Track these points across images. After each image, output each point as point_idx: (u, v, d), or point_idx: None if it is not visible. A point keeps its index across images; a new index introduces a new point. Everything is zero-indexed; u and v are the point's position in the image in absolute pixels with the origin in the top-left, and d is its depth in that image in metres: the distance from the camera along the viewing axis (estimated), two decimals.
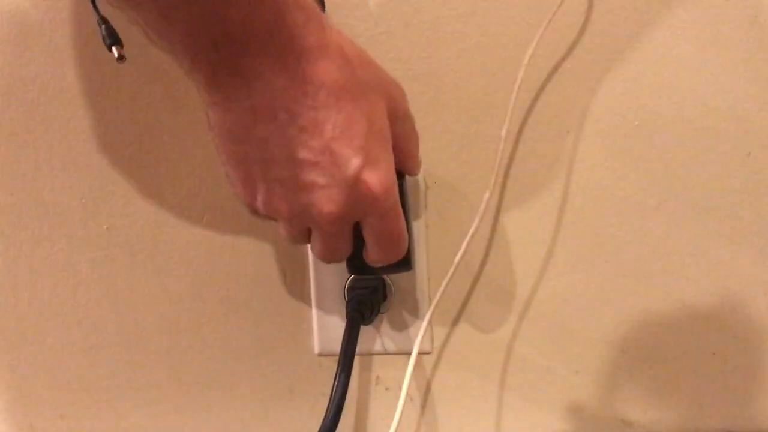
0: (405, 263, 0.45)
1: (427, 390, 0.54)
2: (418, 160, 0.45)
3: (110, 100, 0.52)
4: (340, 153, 0.35)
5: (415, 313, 0.51)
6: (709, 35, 0.47)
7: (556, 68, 0.48)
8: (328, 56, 0.34)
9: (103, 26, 0.44)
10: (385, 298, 0.51)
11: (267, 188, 0.36)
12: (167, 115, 0.52)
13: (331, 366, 0.53)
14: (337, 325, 0.51)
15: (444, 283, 0.49)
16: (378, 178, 0.36)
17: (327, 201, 0.36)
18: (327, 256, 0.41)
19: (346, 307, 0.49)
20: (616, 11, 0.47)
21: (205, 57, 0.32)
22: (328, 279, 0.52)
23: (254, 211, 0.39)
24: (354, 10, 0.49)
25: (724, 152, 0.48)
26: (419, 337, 0.49)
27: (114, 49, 0.43)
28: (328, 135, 0.34)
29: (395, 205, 0.39)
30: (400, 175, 0.46)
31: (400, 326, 0.52)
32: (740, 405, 0.51)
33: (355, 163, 0.35)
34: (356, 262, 0.43)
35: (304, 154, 0.34)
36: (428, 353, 0.53)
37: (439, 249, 0.51)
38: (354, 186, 0.35)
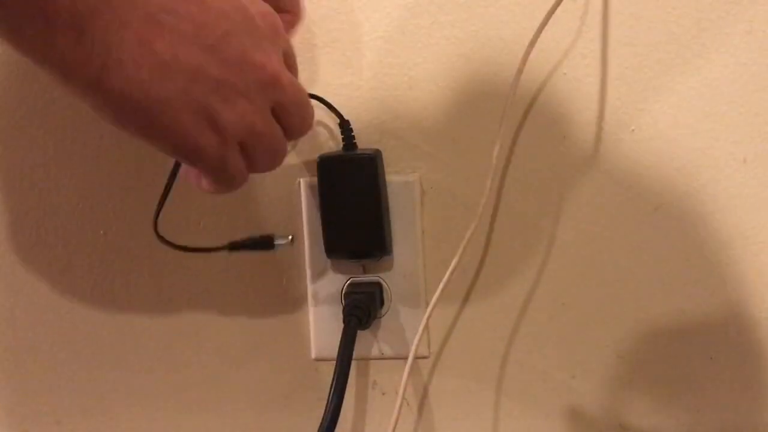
0: (382, 247, 0.49)
1: (424, 395, 0.54)
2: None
3: None
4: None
5: (412, 317, 0.51)
6: (705, 41, 0.47)
7: (551, 73, 0.49)
8: None
9: None
10: (381, 302, 0.51)
11: (214, 91, 0.34)
12: None
13: (328, 371, 0.53)
14: (334, 330, 0.51)
15: (440, 287, 0.49)
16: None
17: (264, 55, 0.36)
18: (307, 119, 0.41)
19: (343, 312, 0.49)
20: (611, 16, 0.48)
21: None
22: (324, 284, 0.52)
23: (222, 152, 0.36)
24: (350, 15, 0.49)
25: (720, 158, 0.48)
26: (416, 342, 0.49)
27: None
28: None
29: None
30: (376, 156, 0.48)
31: (397, 331, 0.52)
32: (738, 410, 0.51)
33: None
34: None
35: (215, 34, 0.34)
36: (425, 358, 0.53)
37: (435, 254, 0.51)
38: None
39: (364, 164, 0.48)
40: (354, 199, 0.48)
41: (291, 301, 0.53)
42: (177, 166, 0.44)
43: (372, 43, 0.49)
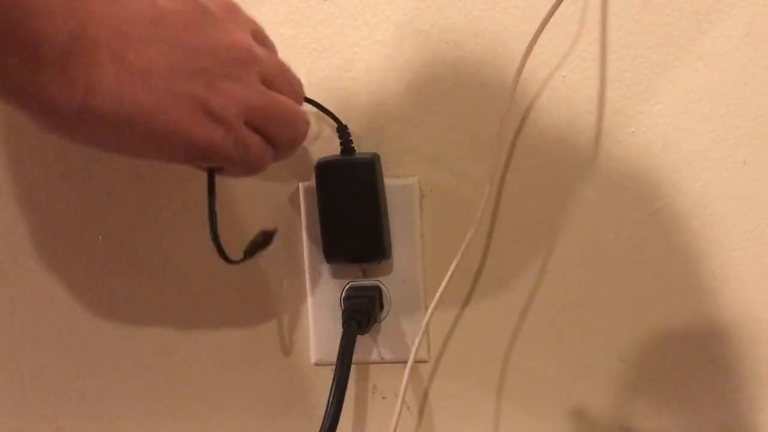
0: (381, 251, 0.48)
1: (425, 398, 0.54)
2: None
3: None
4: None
5: (412, 321, 0.51)
6: (705, 43, 0.47)
7: (550, 76, 0.48)
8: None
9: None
10: (381, 306, 0.51)
11: (196, 83, 0.35)
12: None
13: (328, 376, 0.53)
14: (334, 335, 0.51)
15: (440, 291, 0.49)
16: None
17: (243, 38, 0.38)
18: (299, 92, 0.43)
19: (343, 317, 0.49)
20: (610, 19, 0.48)
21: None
22: (324, 288, 0.52)
23: (234, 138, 0.37)
24: (349, 20, 0.49)
25: (720, 160, 0.48)
26: (416, 346, 0.49)
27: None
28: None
29: None
30: (374, 160, 0.48)
31: (397, 335, 0.52)
32: (739, 412, 0.51)
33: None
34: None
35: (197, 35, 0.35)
36: (425, 362, 0.53)
37: (435, 257, 0.51)
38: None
39: (362, 169, 0.48)
40: (353, 204, 0.48)
41: (290, 306, 0.53)
42: (211, 185, 0.41)
43: (370, 47, 0.49)
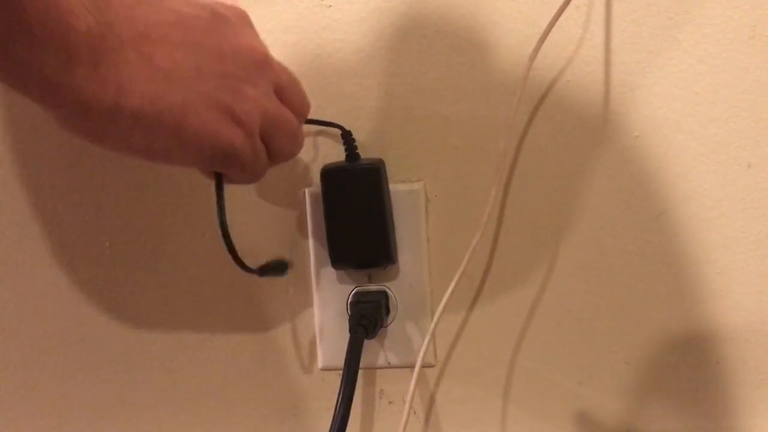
0: (387, 256, 0.49)
1: (431, 403, 0.54)
2: None
3: None
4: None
5: (418, 326, 0.51)
6: (709, 46, 0.47)
7: (554, 81, 0.49)
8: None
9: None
10: (387, 311, 0.51)
11: (221, 85, 0.36)
12: None
13: (335, 380, 0.53)
14: (341, 340, 0.51)
15: (446, 295, 0.49)
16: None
17: (256, 42, 0.39)
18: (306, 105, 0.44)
19: (349, 322, 0.49)
20: (614, 23, 0.48)
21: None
22: (330, 293, 0.52)
23: (251, 144, 0.38)
24: (353, 26, 0.49)
25: (724, 163, 0.48)
26: (422, 350, 0.49)
27: None
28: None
29: None
30: (380, 166, 0.48)
31: (404, 339, 0.52)
32: (745, 414, 0.51)
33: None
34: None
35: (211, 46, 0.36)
36: (432, 366, 0.53)
37: (441, 261, 0.51)
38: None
39: (367, 175, 0.48)
40: (358, 209, 0.48)
41: (297, 311, 0.53)
42: (221, 189, 0.41)
43: (375, 52, 0.50)
